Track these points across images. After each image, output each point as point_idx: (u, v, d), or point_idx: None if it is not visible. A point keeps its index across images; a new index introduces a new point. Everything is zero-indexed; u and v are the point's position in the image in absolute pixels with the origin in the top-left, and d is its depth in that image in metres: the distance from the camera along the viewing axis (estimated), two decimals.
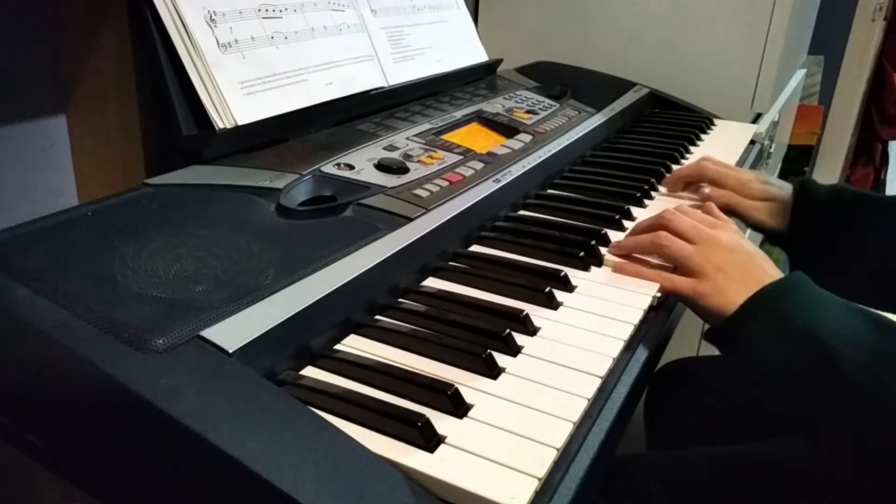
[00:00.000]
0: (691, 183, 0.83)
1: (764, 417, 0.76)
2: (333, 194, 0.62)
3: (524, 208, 0.75)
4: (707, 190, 0.80)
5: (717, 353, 0.62)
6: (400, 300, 0.54)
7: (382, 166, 0.67)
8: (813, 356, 0.51)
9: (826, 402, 0.51)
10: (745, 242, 0.62)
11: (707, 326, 0.61)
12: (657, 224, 0.64)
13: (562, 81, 1.08)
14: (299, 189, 0.62)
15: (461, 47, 1.05)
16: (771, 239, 0.83)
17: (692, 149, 0.99)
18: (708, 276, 0.59)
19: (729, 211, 0.81)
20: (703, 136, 1.05)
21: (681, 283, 0.60)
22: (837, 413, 0.50)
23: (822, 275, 0.57)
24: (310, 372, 0.46)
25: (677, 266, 0.61)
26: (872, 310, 0.54)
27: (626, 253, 0.64)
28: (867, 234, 0.75)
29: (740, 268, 0.58)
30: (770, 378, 0.54)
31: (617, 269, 0.62)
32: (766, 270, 0.59)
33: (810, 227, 0.77)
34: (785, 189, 0.80)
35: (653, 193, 0.82)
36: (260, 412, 0.37)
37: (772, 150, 1.24)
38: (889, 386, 0.48)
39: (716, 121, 1.12)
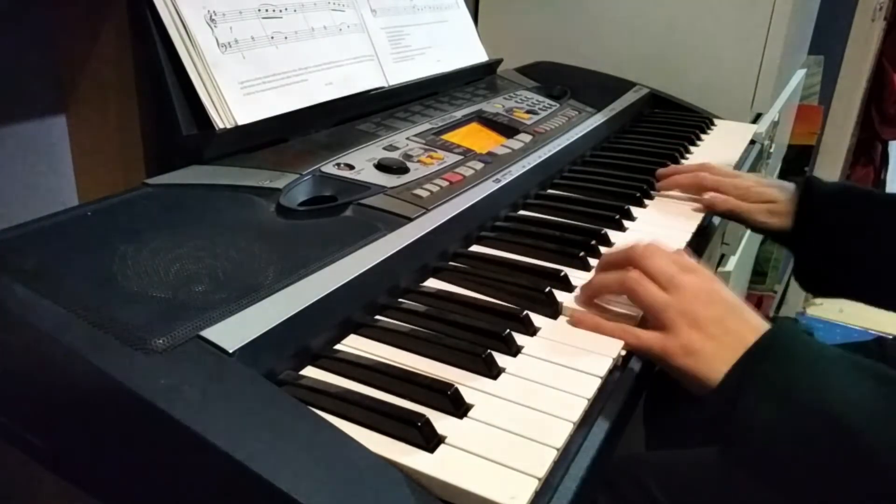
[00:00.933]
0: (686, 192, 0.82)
1: None
2: (333, 194, 0.62)
3: (524, 208, 0.75)
4: (708, 196, 0.79)
5: None
6: (400, 300, 0.54)
7: (382, 166, 0.67)
8: (825, 432, 0.44)
9: (858, 490, 0.44)
10: (723, 290, 0.54)
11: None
12: (626, 259, 0.57)
13: (562, 81, 1.08)
14: (299, 189, 0.62)
15: (461, 47, 1.05)
16: (774, 239, 0.82)
17: (692, 149, 0.99)
18: (680, 333, 0.51)
19: (730, 216, 0.80)
20: (703, 136, 1.05)
21: (648, 338, 0.52)
22: (852, 479, 0.44)
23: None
24: (310, 372, 0.46)
25: (646, 314, 0.54)
26: (870, 362, 0.48)
27: (592, 294, 0.57)
28: (873, 232, 0.74)
29: (717, 325, 0.51)
30: (775, 456, 0.47)
31: (576, 321, 0.54)
32: (748, 322, 0.51)
33: (816, 224, 0.76)
34: (786, 189, 0.79)
35: (653, 193, 0.82)
36: (260, 412, 0.37)
37: (772, 151, 1.24)
38: None
39: (716, 121, 1.12)
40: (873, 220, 0.75)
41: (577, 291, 0.58)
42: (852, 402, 0.44)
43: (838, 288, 0.73)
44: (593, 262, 0.63)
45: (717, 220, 0.81)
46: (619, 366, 0.51)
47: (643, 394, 0.64)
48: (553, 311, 0.55)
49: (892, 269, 0.73)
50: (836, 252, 0.76)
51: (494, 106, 0.92)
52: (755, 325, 0.51)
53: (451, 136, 0.79)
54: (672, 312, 0.52)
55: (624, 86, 1.13)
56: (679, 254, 0.59)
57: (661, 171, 0.84)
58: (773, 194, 0.79)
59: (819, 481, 0.45)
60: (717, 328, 0.51)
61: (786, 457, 0.46)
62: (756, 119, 1.19)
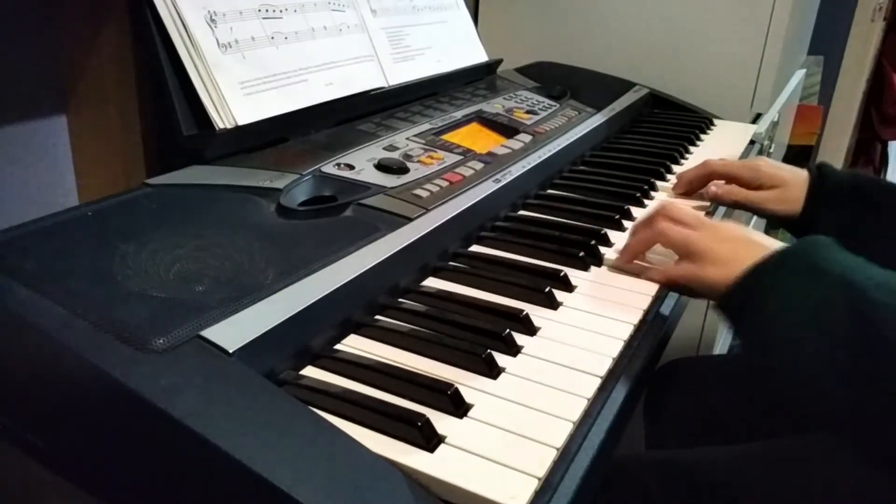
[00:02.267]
0: (699, 187, 0.82)
1: (764, 416, 0.75)
2: (333, 194, 0.62)
3: (524, 208, 0.75)
4: (714, 188, 0.79)
5: (716, 352, 0.62)
6: (400, 300, 0.54)
7: (382, 166, 0.67)
8: (846, 300, 0.48)
9: (859, 346, 0.47)
10: (745, 227, 0.61)
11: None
12: (654, 213, 0.64)
13: (562, 81, 1.08)
14: (299, 189, 0.62)
15: (461, 47, 1.05)
16: (781, 224, 0.81)
17: (692, 149, 0.99)
18: (708, 255, 0.57)
19: (738, 206, 0.80)
20: (702, 136, 1.05)
21: (685, 265, 0.59)
22: (871, 359, 0.47)
23: None
24: (310, 372, 0.46)
25: (680, 251, 0.61)
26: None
27: (632, 254, 0.63)
28: (887, 222, 0.74)
29: (745, 241, 0.57)
30: (793, 333, 0.51)
31: (624, 263, 0.62)
32: (773, 241, 0.57)
33: (827, 212, 0.76)
34: (798, 174, 0.78)
35: (653, 193, 0.82)
36: (260, 412, 0.37)
37: (771, 151, 1.24)
38: None
39: (715, 121, 1.12)
40: (887, 210, 0.74)
41: (614, 253, 0.65)
42: (875, 280, 0.49)
43: None
44: (593, 261, 0.63)
45: (721, 210, 0.81)
46: (620, 365, 0.51)
47: (643, 393, 0.64)
48: (553, 310, 0.55)
49: None
50: (845, 241, 0.76)
51: (494, 106, 0.92)
52: (777, 243, 0.56)
53: (451, 137, 0.79)
54: (703, 241, 0.58)
55: (624, 86, 1.13)
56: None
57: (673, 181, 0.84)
58: (785, 177, 0.78)
59: (830, 343, 0.48)
60: (744, 243, 0.57)
61: (805, 321, 0.50)
62: (756, 119, 1.19)
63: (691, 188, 0.82)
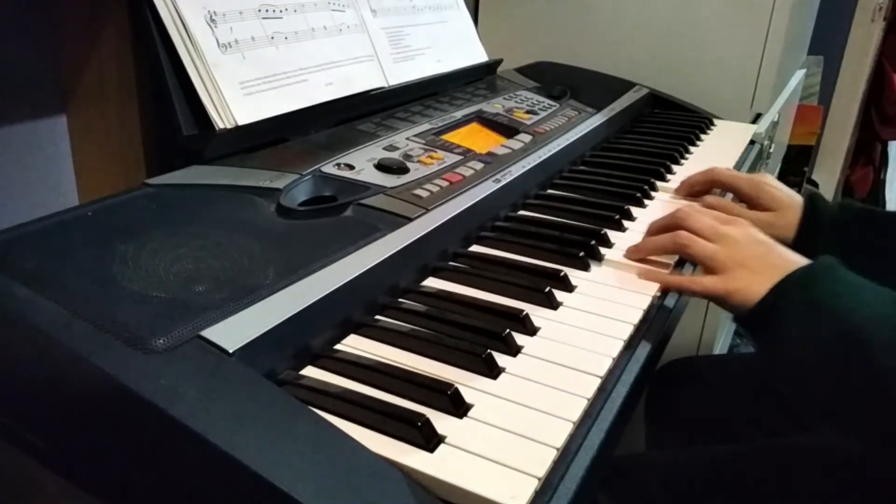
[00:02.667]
0: (702, 192, 0.82)
1: (764, 416, 0.75)
2: (333, 194, 0.62)
3: (524, 208, 0.75)
4: (710, 199, 0.79)
5: (716, 352, 0.62)
6: (400, 300, 0.54)
7: (382, 166, 0.67)
8: (844, 340, 0.51)
9: (856, 385, 0.50)
10: (760, 234, 0.62)
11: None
12: (674, 223, 0.65)
13: (562, 81, 1.08)
14: (299, 189, 0.62)
15: (461, 47, 1.05)
16: None
17: (692, 149, 0.99)
18: (732, 272, 0.59)
19: None
20: (702, 136, 1.05)
21: (710, 282, 0.60)
22: (867, 396, 0.50)
23: None
24: (310, 372, 0.46)
25: (700, 265, 0.62)
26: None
27: (643, 256, 0.64)
28: (876, 254, 0.74)
29: (761, 260, 0.59)
30: (801, 363, 0.54)
31: (644, 275, 0.62)
32: (788, 258, 0.59)
33: (817, 244, 0.75)
34: (794, 200, 0.78)
35: (653, 193, 0.82)
36: (260, 412, 0.37)
37: (771, 151, 1.24)
38: None
39: (715, 121, 1.12)
40: (876, 242, 0.74)
41: (628, 251, 0.65)
42: (872, 318, 0.50)
43: None
44: (593, 262, 0.63)
45: None
46: (620, 365, 0.50)
47: (643, 393, 0.64)
48: (553, 310, 0.55)
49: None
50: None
51: (494, 106, 0.92)
52: (794, 259, 0.59)
53: (451, 137, 0.79)
54: (721, 257, 0.60)
55: (624, 86, 1.13)
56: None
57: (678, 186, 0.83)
58: (783, 201, 0.78)
59: (834, 388, 0.52)
60: (761, 263, 0.59)
61: (810, 362, 0.53)
62: (756, 119, 1.19)
63: (693, 192, 0.82)
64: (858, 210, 0.76)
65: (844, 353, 0.51)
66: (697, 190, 0.82)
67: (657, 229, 0.67)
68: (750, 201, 0.79)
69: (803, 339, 0.53)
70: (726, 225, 0.63)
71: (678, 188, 0.83)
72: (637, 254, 0.65)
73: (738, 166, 0.96)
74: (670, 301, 0.61)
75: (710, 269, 0.61)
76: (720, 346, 1.33)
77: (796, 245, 0.77)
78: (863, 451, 0.55)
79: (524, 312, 0.52)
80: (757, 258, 0.59)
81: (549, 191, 0.80)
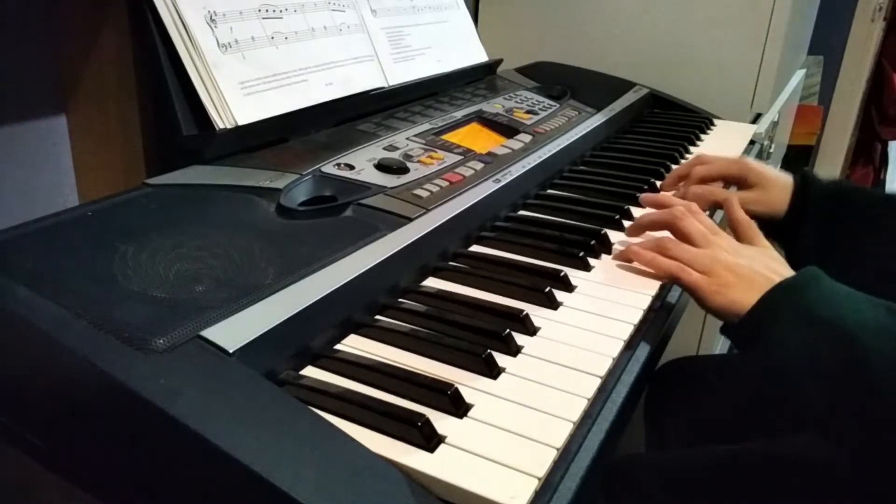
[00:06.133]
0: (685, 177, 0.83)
1: (764, 416, 0.75)
2: (333, 194, 0.62)
3: (524, 208, 0.75)
4: (694, 189, 0.78)
5: (716, 352, 0.62)
6: (400, 300, 0.54)
7: (382, 166, 0.67)
8: (837, 347, 0.51)
9: (850, 392, 0.50)
10: (749, 249, 0.63)
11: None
12: (664, 222, 0.65)
13: (562, 81, 1.08)
14: (299, 189, 0.62)
15: (461, 47, 1.05)
16: (766, 229, 0.82)
17: (692, 149, 0.99)
18: (717, 274, 0.59)
19: (719, 206, 0.80)
20: (702, 136, 1.05)
21: (696, 277, 0.60)
22: (860, 404, 0.49)
23: (821, 266, 0.57)
24: (310, 372, 0.46)
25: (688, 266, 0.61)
26: (884, 301, 0.54)
27: (631, 259, 0.64)
28: (870, 232, 0.74)
29: (748, 268, 0.59)
30: (793, 372, 0.53)
31: (632, 253, 0.63)
32: (775, 269, 0.59)
33: (811, 218, 0.76)
34: (782, 177, 0.79)
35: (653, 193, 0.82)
36: (260, 412, 0.37)
37: (771, 151, 1.24)
38: None
39: (715, 121, 1.12)
40: (870, 219, 0.74)
41: (615, 250, 0.66)
42: (865, 326, 0.50)
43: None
44: (593, 262, 0.63)
45: (718, 214, 0.81)
46: (620, 365, 0.51)
47: (643, 393, 0.64)
48: (553, 310, 0.55)
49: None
50: (830, 251, 0.76)
51: (494, 106, 0.92)
52: (782, 271, 0.59)
53: (451, 137, 0.79)
54: (709, 260, 0.60)
55: (624, 86, 1.13)
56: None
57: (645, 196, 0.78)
58: (769, 177, 0.78)
59: (826, 394, 0.51)
60: (748, 270, 0.59)
61: (802, 370, 0.52)
62: (756, 119, 1.19)
63: (677, 187, 0.83)
64: (852, 188, 0.77)
65: (837, 361, 0.51)
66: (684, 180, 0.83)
67: (648, 224, 0.67)
68: (738, 182, 0.80)
69: (795, 347, 0.53)
70: (715, 234, 0.64)
71: (665, 182, 0.84)
72: (624, 256, 0.65)
73: None
74: (670, 301, 0.61)
75: (695, 270, 0.61)
76: (720, 346, 1.33)
77: (789, 218, 0.77)
78: (854, 459, 0.55)
79: (524, 312, 0.52)
80: (744, 266, 0.59)
81: (549, 191, 0.80)
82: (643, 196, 0.75)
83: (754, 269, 0.59)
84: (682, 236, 0.63)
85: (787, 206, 0.77)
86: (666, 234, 0.65)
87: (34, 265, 0.45)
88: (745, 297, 0.57)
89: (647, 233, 0.68)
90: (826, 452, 0.62)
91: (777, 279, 0.57)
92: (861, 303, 0.53)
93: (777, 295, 0.56)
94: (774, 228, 0.79)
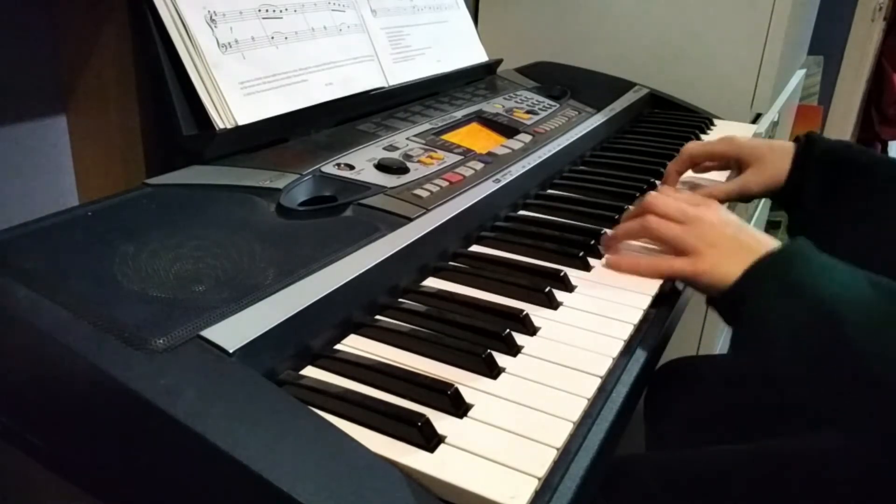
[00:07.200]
0: (683, 171, 0.83)
1: (764, 416, 0.75)
2: (333, 194, 0.62)
3: (524, 208, 0.75)
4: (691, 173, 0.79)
5: (716, 352, 0.62)
6: (400, 300, 0.54)
7: (382, 166, 0.67)
8: (819, 322, 0.50)
9: (832, 367, 0.50)
10: (731, 215, 0.62)
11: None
12: (641, 209, 0.65)
13: (562, 81, 1.08)
14: (299, 189, 0.62)
15: (461, 47, 1.05)
16: (769, 197, 0.81)
17: None
18: (701, 253, 0.59)
19: (722, 201, 0.80)
20: (702, 136, 1.05)
21: (679, 263, 0.60)
22: (842, 376, 0.49)
23: (823, 231, 0.58)
24: (310, 372, 0.46)
25: (669, 246, 0.62)
26: (870, 273, 0.53)
27: (616, 244, 0.65)
28: (873, 190, 0.73)
29: (731, 240, 0.58)
30: (775, 346, 0.53)
31: (613, 265, 0.62)
32: (759, 240, 0.58)
33: (813, 178, 0.75)
34: (780, 146, 0.78)
35: (653, 193, 0.82)
36: (260, 412, 0.37)
37: None
38: (892, 349, 0.47)
39: (716, 121, 1.12)
40: (871, 177, 0.73)
41: (603, 240, 0.66)
42: (845, 298, 0.50)
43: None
44: (593, 261, 0.63)
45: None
46: (620, 365, 0.51)
47: (643, 393, 0.64)
48: (553, 310, 0.55)
49: (886, 230, 0.72)
50: (828, 208, 0.75)
51: (494, 106, 0.92)
52: (765, 241, 0.58)
53: (451, 137, 0.79)
54: (692, 239, 0.60)
55: (624, 86, 1.13)
56: (687, 194, 0.71)
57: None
58: (763, 151, 0.78)
59: (811, 369, 0.51)
60: (732, 243, 0.58)
61: (786, 345, 0.52)
62: (756, 119, 1.19)
63: (678, 179, 0.83)
64: (859, 148, 0.76)
65: (819, 336, 0.50)
66: (682, 173, 0.83)
67: (628, 217, 0.67)
68: (730, 159, 0.81)
69: (778, 322, 0.53)
70: (695, 207, 0.63)
71: (663, 181, 0.84)
72: (610, 241, 0.65)
73: None
74: (670, 301, 0.61)
75: (680, 251, 0.61)
76: (720, 346, 1.33)
77: (790, 182, 0.77)
78: (843, 443, 0.55)
79: (524, 312, 0.52)
80: (727, 238, 0.59)
81: (549, 191, 0.80)
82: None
83: (739, 238, 0.58)
84: (659, 238, 0.63)
85: (787, 171, 0.77)
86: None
87: (34, 265, 0.45)
88: (730, 270, 0.56)
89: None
90: (824, 454, 0.62)
91: (763, 250, 0.56)
92: (844, 275, 0.53)
93: (760, 267, 0.55)
94: (777, 196, 0.79)
